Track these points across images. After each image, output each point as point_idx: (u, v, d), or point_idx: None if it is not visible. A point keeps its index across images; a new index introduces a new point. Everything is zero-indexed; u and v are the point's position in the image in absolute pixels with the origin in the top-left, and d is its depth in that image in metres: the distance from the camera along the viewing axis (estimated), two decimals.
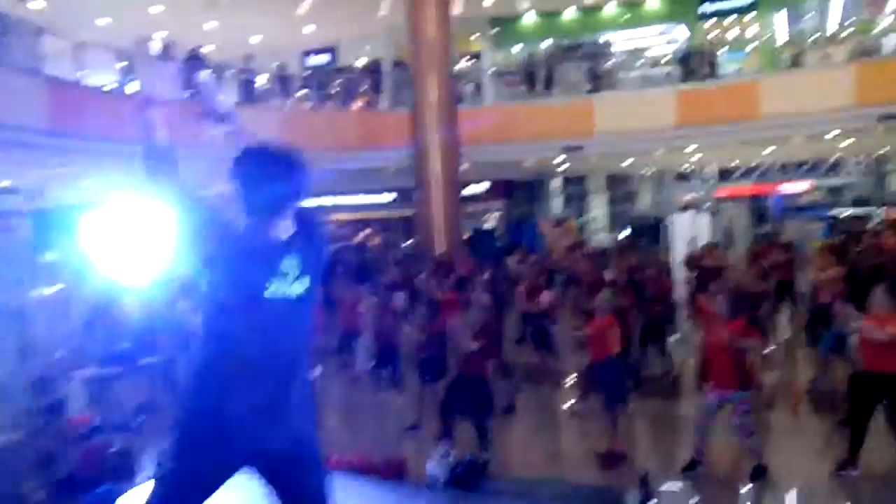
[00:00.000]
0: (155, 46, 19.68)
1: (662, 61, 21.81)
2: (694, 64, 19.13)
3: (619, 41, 23.10)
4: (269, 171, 2.42)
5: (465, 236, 21.07)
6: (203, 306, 2.52)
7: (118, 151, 14.28)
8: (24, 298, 6.37)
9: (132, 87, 17.04)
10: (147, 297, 8.98)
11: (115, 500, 5.18)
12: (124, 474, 6.03)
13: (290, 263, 2.41)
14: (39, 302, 7.50)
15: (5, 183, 16.16)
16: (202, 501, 2.48)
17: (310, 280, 2.48)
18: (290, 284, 2.41)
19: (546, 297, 10.57)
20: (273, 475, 2.56)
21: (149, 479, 5.54)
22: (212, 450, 2.41)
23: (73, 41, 15.02)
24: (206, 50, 18.75)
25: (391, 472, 6.42)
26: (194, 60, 17.75)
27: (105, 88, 16.34)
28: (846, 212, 24.91)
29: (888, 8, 20.07)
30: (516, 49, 24.04)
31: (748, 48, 21.29)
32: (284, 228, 2.46)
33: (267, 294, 2.37)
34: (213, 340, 2.44)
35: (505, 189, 25.46)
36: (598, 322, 7.42)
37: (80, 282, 9.62)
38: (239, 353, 2.39)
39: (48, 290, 8.48)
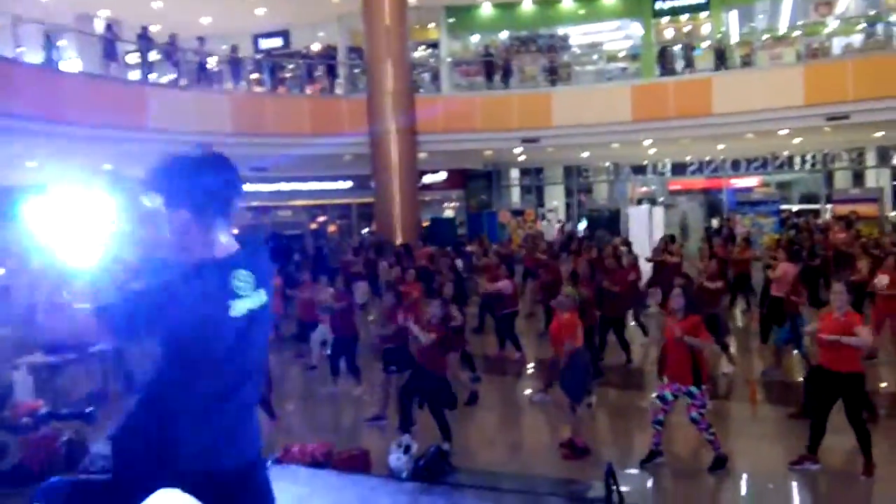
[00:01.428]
0: (98, 25, 18.95)
1: (620, 55, 22.06)
2: (668, 59, 19.40)
3: (576, 35, 23.27)
4: (200, 173, 2.19)
5: (424, 224, 20.94)
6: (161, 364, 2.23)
7: (60, 132, 13.81)
8: None
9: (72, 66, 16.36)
10: (95, 280, 8.60)
11: (65, 491, 4.93)
12: (75, 465, 5.78)
13: (242, 278, 2.26)
14: None
15: None
16: None
17: (265, 293, 2.32)
18: (248, 298, 2.26)
19: (504, 284, 10.53)
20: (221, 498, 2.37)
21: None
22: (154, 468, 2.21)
23: (10, 16, 14.29)
24: (153, 30, 18.13)
25: (354, 464, 6.28)
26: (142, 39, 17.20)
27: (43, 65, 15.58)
28: (795, 207, 25.66)
29: (836, 10, 20.64)
30: (474, 39, 23.97)
31: (702, 45, 21.59)
32: (228, 242, 2.26)
33: (232, 314, 2.21)
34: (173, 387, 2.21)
35: (462, 178, 25.42)
36: (562, 319, 7.32)
37: (24, 264, 9.17)
38: (205, 386, 2.20)
39: None
